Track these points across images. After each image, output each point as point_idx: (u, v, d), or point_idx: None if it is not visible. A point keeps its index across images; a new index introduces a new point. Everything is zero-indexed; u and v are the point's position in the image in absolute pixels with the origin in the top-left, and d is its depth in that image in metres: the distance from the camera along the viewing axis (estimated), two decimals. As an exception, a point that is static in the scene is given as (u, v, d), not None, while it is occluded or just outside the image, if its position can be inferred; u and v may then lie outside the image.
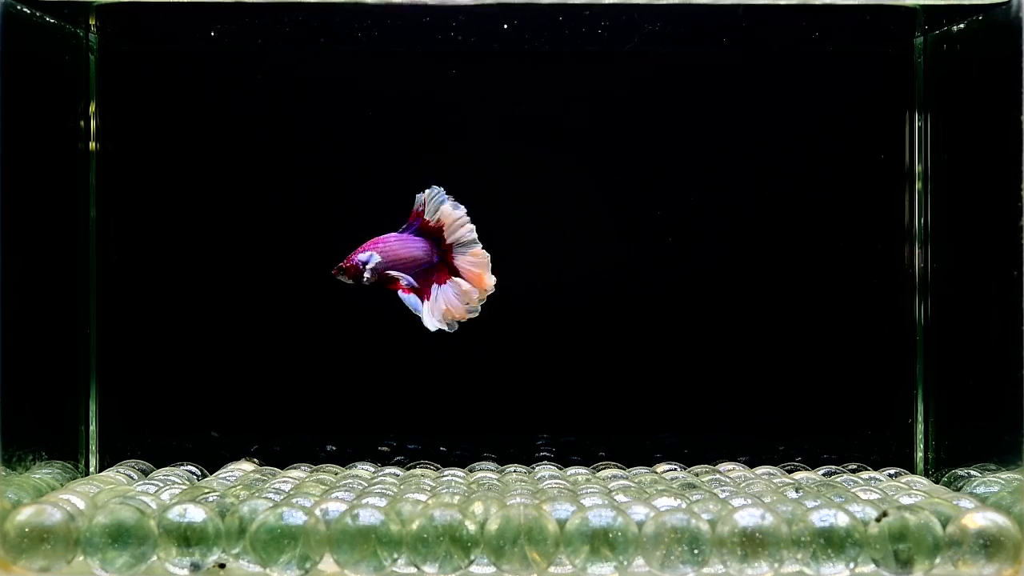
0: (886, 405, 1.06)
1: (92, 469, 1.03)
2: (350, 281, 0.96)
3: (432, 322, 0.95)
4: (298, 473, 0.98)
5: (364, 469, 1.00)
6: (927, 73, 1.03)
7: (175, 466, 0.99)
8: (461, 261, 0.96)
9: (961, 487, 0.94)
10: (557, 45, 1.04)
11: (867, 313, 1.06)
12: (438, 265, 0.96)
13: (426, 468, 1.00)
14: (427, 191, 0.96)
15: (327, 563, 0.78)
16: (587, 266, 1.07)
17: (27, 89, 0.90)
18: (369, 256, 0.95)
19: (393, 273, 0.95)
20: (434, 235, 0.96)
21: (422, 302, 0.95)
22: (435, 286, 0.96)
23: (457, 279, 0.95)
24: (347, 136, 1.06)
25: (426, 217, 0.96)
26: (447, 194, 0.96)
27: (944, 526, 0.78)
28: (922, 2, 0.93)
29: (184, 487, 0.91)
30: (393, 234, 0.97)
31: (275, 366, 1.06)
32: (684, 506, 0.81)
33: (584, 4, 0.96)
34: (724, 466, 1.00)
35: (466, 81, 1.06)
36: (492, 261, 0.96)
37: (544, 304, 1.07)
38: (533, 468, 1.00)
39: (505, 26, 1.00)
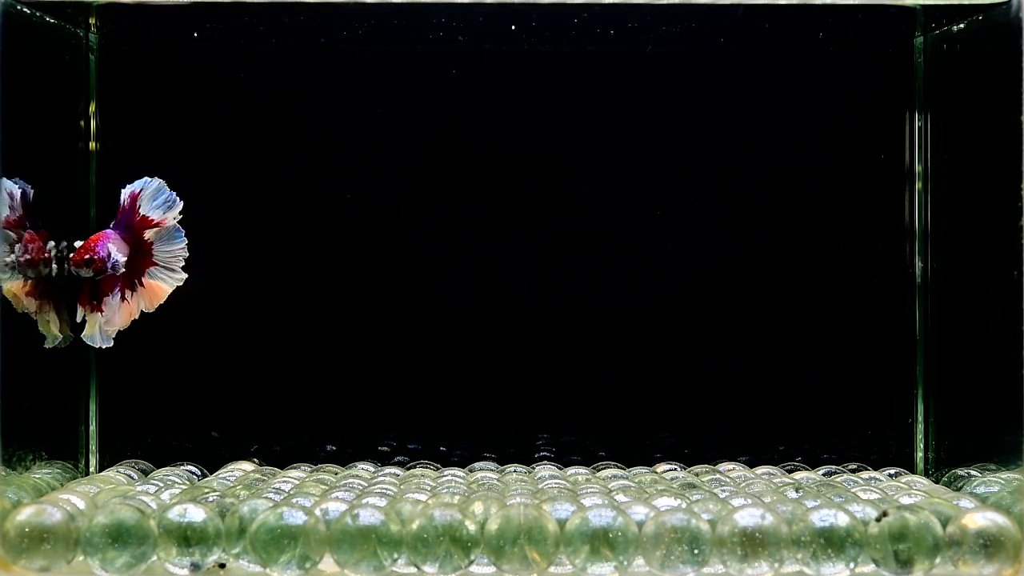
0: (886, 405, 1.06)
1: (92, 469, 1.03)
2: (89, 274, 0.86)
3: (107, 340, 0.88)
4: (298, 473, 0.98)
5: (364, 469, 1.00)
6: (927, 73, 1.03)
7: (175, 466, 0.99)
8: (159, 273, 0.88)
9: (961, 487, 0.94)
10: (557, 45, 1.04)
11: (867, 314, 1.06)
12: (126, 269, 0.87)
13: (426, 468, 1.00)
14: (140, 183, 0.89)
15: (327, 563, 0.78)
16: (587, 266, 1.07)
17: (27, 89, 0.90)
18: (113, 253, 0.86)
19: (116, 275, 0.86)
20: (136, 234, 0.88)
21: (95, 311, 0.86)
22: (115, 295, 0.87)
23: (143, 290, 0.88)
24: (347, 135, 1.06)
25: (148, 214, 0.87)
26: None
27: (944, 526, 0.78)
28: (922, 2, 0.93)
29: (184, 487, 0.91)
30: (112, 231, 0.89)
31: (275, 366, 1.06)
32: (684, 506, 0.81)
33: (583, 4, 0.96)
34: (724, 466, 1.00)
35: (466, 81, 1.06)
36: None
37: (544, 304, 1.07)
38: (533, 468, 1.00)
39: (513, 27, 1.00)
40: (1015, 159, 0.84)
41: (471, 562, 0.78)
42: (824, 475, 0.99)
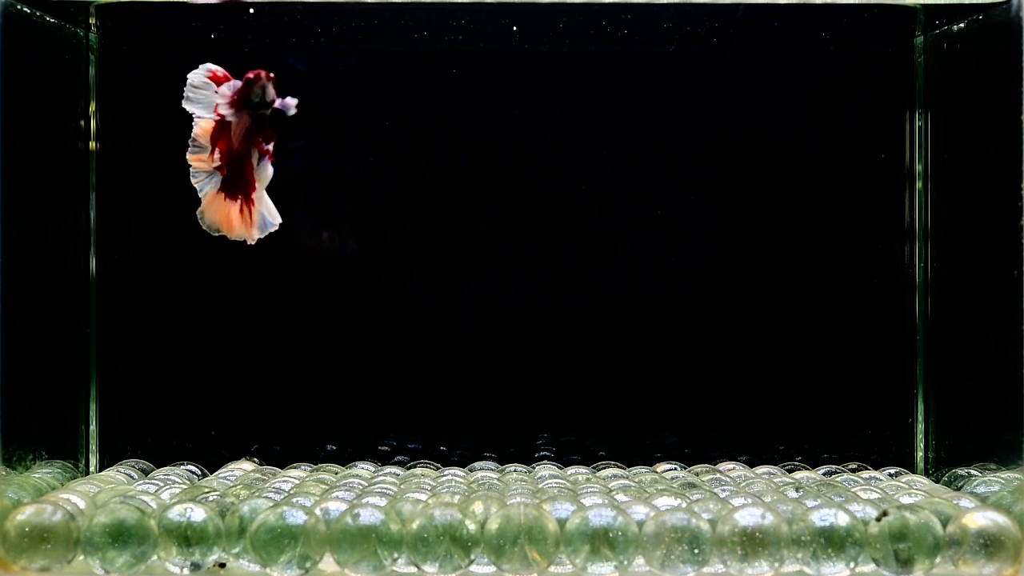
0: (886, 405, 1.06)
1: (92, 469, 1.03)
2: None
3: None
4: (298, 473, 0.98)
5: (364, 469, 1.00)
6: (927, 73, 1.03)
7: (175, 466, 0.99)
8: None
9: (961, 487, 0.94)
10: (557, 45, 1.04)
11: (867, 312, 1.06)
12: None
13: (426, 468, 1.00)
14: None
15: (327, 563, 0.78)
16: (588, 266, 1.07)
17: (27, 89, 0.90)
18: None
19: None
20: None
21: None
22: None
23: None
24: (346, 135, 1.06)
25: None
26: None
27: (944, 526, 0.78)
28: (922, 2, 0.93)
29: (184, 487, 0.90)
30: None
31: (275, 366, 1.06)
32: (684, 506, 0.81)
33: (583, 4, 0.96)
34: (724, 466, 1.00)
35: (466, 80, 1.06)
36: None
37: (544, 304, 1.07)
38: (533, 468, 1.00)
39: (515, 28, 1.00)
40: (1015, 159, 0.84)
41: (471, 562, 0.78)
42: (824, 475, 0.99)
